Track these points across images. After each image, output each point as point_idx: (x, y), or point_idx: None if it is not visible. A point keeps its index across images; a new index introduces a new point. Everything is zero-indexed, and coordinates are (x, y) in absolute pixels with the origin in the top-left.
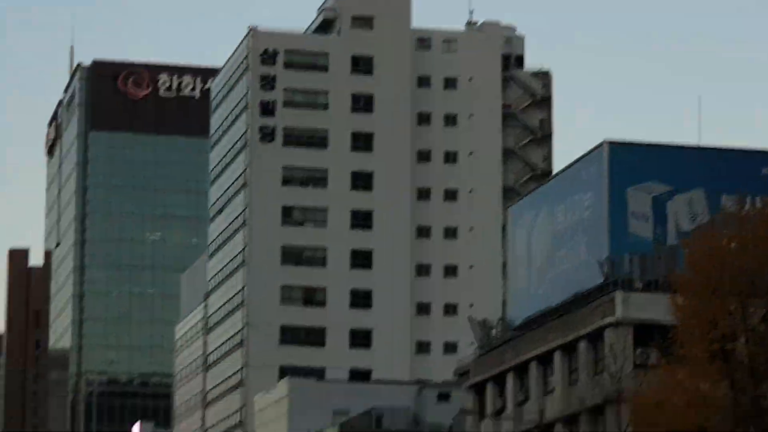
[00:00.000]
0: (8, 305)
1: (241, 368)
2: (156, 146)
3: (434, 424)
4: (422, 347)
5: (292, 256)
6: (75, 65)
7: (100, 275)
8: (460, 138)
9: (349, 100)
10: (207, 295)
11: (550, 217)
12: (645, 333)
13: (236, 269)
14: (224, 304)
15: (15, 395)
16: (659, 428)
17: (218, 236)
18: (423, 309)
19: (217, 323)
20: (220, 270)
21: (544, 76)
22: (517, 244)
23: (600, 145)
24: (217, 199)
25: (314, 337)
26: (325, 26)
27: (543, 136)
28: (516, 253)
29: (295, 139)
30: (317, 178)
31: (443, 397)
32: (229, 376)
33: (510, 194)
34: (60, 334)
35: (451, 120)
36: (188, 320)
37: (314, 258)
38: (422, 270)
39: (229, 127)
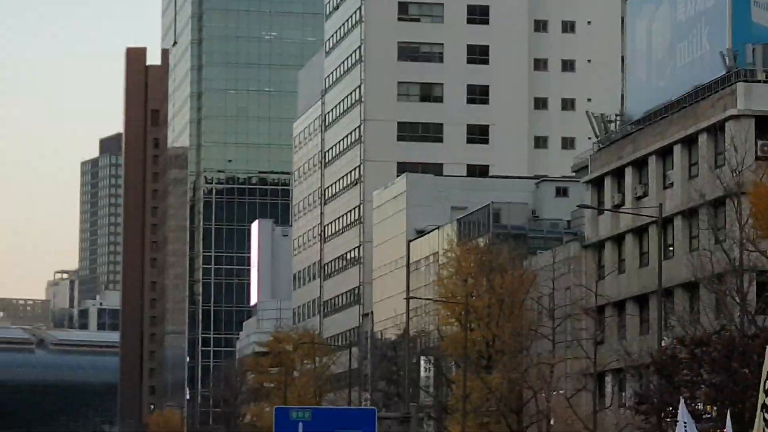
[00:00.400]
0: (126, 104)
1: (359, 165)
2: None
3: (552, 218)
4: (540, 142)
5: (409, 52)
6: None
7: (218, 73)
8: None
9: None
10: (324, 92)
11: (671, 8)
12: (767, 125)
13: (353, 66)
14: (341, 101)
15: (135, 194)
16: None
17: (335, 33)
18: (540, 103)
19: (335, 120)
20: (337, 67)
21: None
22: (636, 37)
23: None
24: None
25: (431, 132)
26: None
27: None
28: (635, 46)
29: None
30: None
31: (561, 191)
32: (347, 173)
33: None
34: (178, 132)
35: None
36: (305, 117)
37: (431, 54)
38: (540, 64)
39: None
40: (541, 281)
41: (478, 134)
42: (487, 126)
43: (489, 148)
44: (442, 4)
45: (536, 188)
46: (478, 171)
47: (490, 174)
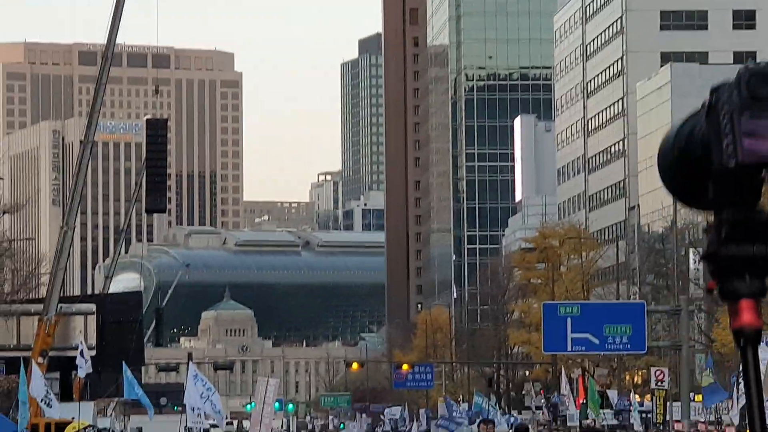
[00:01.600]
0: (384, 4)
1: (622, 56)
2: None
3: None
4: None
5: None
6: None
7: None
8: None
9: None
10: None
11: None
12: None
13: None
14: None
15: (396, 93)
16: None
17: None
18: None
19: (596, 11)
20: None
21: None
22: None
23: None
24: None
25: (695, 20)
26: None
27: None
28: None
29: None
30: None
31: None
32: (610, 65)
33: None
34: (438, 30)
35: None
36: (566, 10)
37: None
38: None
39: None
40: None
41: (745, 20)
42: (754, 11)
43: (756, 34)
44: None
45: None
46: (745, 57)
47: (758, 61)
